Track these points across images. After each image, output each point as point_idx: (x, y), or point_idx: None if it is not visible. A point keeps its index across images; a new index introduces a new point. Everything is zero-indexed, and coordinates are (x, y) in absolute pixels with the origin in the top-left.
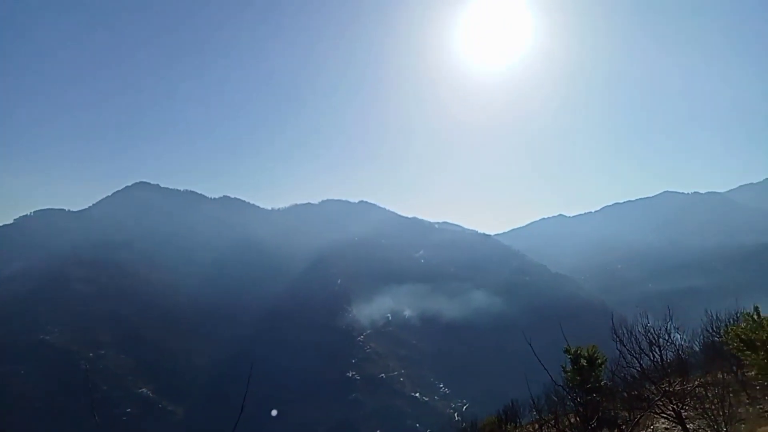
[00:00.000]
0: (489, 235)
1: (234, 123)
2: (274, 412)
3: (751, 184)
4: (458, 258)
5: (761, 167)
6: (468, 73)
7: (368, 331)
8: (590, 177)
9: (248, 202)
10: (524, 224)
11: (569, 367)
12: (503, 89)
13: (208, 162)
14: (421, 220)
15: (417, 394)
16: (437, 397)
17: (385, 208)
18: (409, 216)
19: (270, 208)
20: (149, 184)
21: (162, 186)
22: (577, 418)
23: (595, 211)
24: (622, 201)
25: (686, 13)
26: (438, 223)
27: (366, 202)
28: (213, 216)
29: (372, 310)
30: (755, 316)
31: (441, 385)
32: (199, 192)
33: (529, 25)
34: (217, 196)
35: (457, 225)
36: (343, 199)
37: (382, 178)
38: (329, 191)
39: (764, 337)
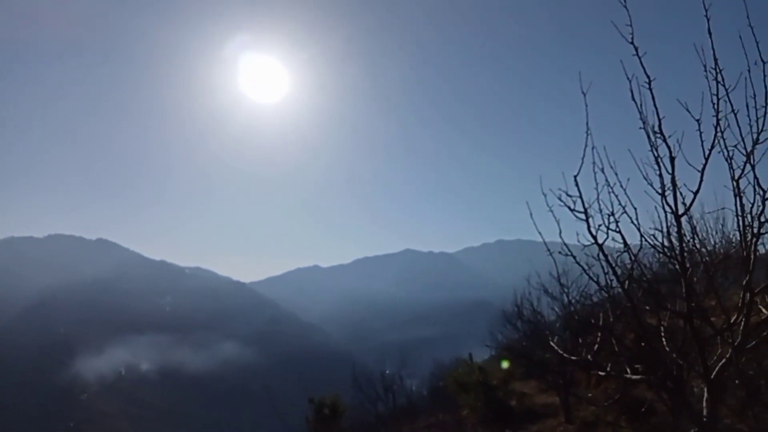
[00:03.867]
0: (244, 283)
1: None
2: None
3: (473, 247)
4: (209, 306)
5: (479, 234)
6: (228, 117)
7: (95, 389)
8: (343, 230)
9: None
10: (280, 273)
11: (312, 417)
12: (260, 137)
13: None
14: (170, 264)
15: None
16: None
17: (128, 249)
18: (157, 259)
19: None
20: None
21: None
22: None
23: (347, 264)
24: (371, 255)
25: (433, 82)
26: (189, 268)
27: (105, 240)
28: None
29: (101, 363)
30: (469, 362)
31: None
32: None
33: (286, 79)
34: None
35: (210, 271)
36: (77, 234)
37: (127, 215)
38: (59, 225)
39: (475, 380)
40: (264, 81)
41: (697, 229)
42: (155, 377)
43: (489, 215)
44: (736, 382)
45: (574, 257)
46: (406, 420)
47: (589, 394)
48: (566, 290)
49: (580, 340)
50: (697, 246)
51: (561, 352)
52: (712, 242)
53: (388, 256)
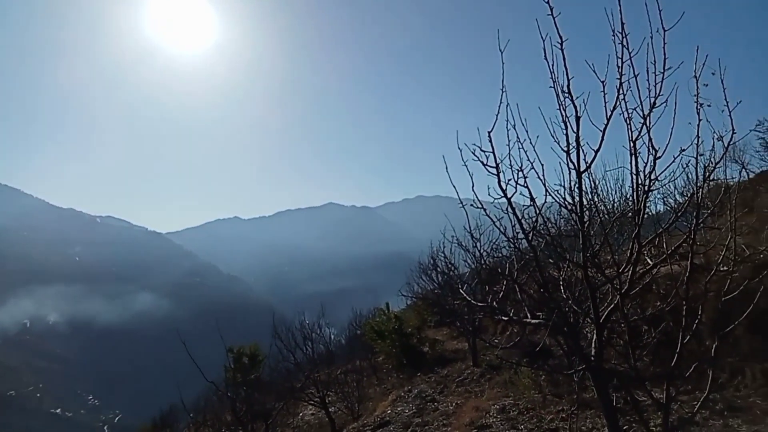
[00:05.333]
0: (160, 234)
1: None
2: None
3: (393, 202)
4: (123, 257)
5: (401, 189)
6: (142, 62)
7: None
8: (266, 182)
9: None
10: (199, 224)
11: (231, 366)
12: (179, 84)
13: None
14: (80, 213)
15: (58, 410)
16: (84, 411)
17: (32, 195)
18: (65, 207)
19: None
20: None
21: None
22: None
23: (269, 216)
24: (293, 208)
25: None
26: (101, 217)
27: (6, 186)
28: None
29: (3, 316)
30: (386, 311)
31: (90, 398)
32: None
33: (214, 21)
34: None
35: (123, 220)
36: None
37: (31, 159)
38: None
39: (391, 328)
40: (179, 22)
41: (599, 188)
42: (64, 329)
43: (410, 172)
44: (622, 326)
45: (485, 210)
46: (324, 366)
47: (495, 340)
48: (478, 243)
49: (488, 288)
50: (596, 202)
51: (470, 299)
52: (612, 200)
53: (311, 209)
